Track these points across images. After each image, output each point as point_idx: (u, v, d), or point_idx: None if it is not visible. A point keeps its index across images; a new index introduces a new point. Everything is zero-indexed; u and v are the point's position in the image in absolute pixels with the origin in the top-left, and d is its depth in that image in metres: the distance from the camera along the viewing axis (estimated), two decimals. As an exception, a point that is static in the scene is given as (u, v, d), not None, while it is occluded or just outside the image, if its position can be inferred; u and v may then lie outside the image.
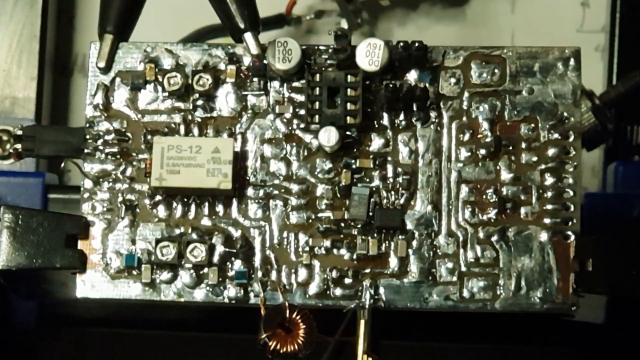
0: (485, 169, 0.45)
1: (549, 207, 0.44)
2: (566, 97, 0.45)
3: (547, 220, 0.44)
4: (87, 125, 0.46)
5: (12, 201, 0.54)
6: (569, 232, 0.44)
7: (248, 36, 0.46)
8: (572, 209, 0.44)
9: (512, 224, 0.44)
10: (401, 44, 0.45)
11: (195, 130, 0.45)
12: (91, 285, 0.45)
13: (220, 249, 0.44)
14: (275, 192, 0.45)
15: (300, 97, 0.45)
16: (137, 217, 0.45)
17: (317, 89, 0.45)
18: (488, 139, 0.45)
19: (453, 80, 0.45)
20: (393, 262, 0.44)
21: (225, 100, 0.46)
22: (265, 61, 0.45)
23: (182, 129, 0.45)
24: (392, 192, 0.45)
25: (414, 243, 0.44)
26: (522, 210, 0.44)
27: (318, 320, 0.43)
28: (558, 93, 0.45)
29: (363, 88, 0.44)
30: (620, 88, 0.57)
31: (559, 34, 0.65)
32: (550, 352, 0.57)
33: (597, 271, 0.43)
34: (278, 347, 0.42)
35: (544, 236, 0.44)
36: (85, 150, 0.45)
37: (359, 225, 0.44)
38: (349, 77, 0.45)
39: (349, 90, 0.44)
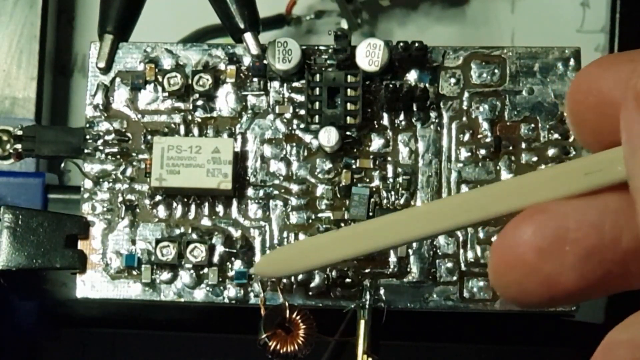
0: (485, 169, 0.45)
1: (549, 207, 0.44)
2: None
3: (547, 221, 0.44)
4: (87, 125, 0.46)
5: (12, 201, 0.54)
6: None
7: (248, 36, 0.46)
8: (572, 209, 0.44)
9: (512, 224, 0.44)
10: (401, 44, 0.45)
11: (195, 131, 0.45)
12: (91, 285, 0.45)
13: (220, 249, 0.44)
14: (275, 192, 0.45)
15: (300, 97, 0.45)
16: (137, 217, 0.45)
17: (317, 89, 0.45)
18: (488, 139, 0.45)
19: (453, 80, 0.45)
20: (393, 262, 0.44)
21: (225, 101, 0.46)
22: (265, 61, 0.45)
23: (182, 129, 0.45)
24: (392, 192, 0.45)
25: (414, 243, 0.44)
26: (522, 210, 0.44)
27: (318, 320, 0.43)
28: (558, 93, 0.45)
29: (363, 88, 0.44)
30: (620, 88, 0.57)
31: (559, 34, 0.64)
32: (550, 352, 0.57)
33: (597, 271, 0.43)
34: (278, 347, 0.42)
35: (544, 236, 0.44)
36: (85, 151, 0.45)
37: (359, 226, 0.44)
38: (349, 77, 0.45)
39: (349, 90, 0.44)
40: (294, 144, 0.45)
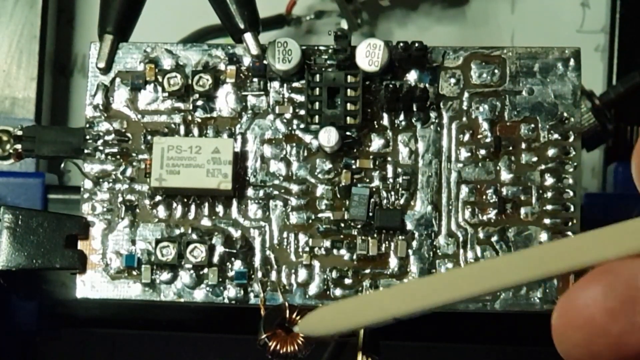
0: (485, 169, 0.45)
1: (549, 207, 0.44)
2: (566, 97, 0.45)
3: (547, 221, 0.44)
4: (87, 125, 0.46)
5: (12, 201, 0.54)
6: (569, 233, 0.44)
7: (248, 36, 0.46)
8: (572, 209, 0.44)
9: (512, 224, 0.44)
10: (401, 44, 0.45)
11: (195, 131, 0.45)
12: (91, 285, 0.45)
13: (220, 249, 0.44)
14: (275, 192, 0.45)
15: (300, 98, 0.45)
16: (137, 218, 0.45)
17: (317, 89, 0.45)
18: (488, 139, 0.45)
19: (453, 80, 0.45)
20: (393, 262, 0.44)
21: (225, 101, 0.46)
22: (265, 61, 0.45)
23: (182, 129, 0.45)
24: (392, 193, 0.45)
25: (414, 243, 0.44)
26: (522, 210, 0.44)
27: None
28: (558, 93, 0.45)
29: (363, 88, 0.44)
30: (620, 88, 0.57)
31: (559, 34, 0.64)
32: (550, 352, 0.57)
33: (597, 271, 0.43)
34: (278, 347, 0.42)
35: (544, 236, 0.44)
36: (85, 151, 0.45)
37: (359, 226, 0.44)
38: (349, 77, 0.45)
39: (349, 90, 0.44)
40: (294, 144, 0.45)
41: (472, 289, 0.33)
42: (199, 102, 0.45)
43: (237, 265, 0.44)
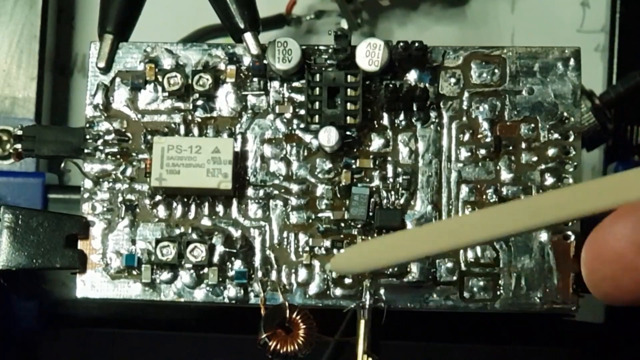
0: (485, 169, 0.45)
1: (549, 207, 0.44)
2: (566, 97, 0.45)
3: (547, 220, 0.44)
4: (87, 125, 0.46)
5: (12, 201, 0.54)
6: (569, 232, 0.44)
7: (248, 36, 0.46)
8: (572, 209, 0.44)
9: (512, 224, 0.44)
10: (401, 44, 0.45)
11: (195, 130, 0.45)
12: (91, 285, 0.45)
13: (220, 249, 0.44)
14: (275, 192, 0.45)
15: (300, 97, 0.45)
16: (137, 217, 0.45)
17: (317, 89, 0.45)
18: (488, 139, 0.45)
19: (453, 80, 0.45)
20: (393, 262, 0.44)
21: (225, 100, 0.46)
22: (265, 61, 0.45)
23: (182, 129, 0.45)
24: (392, 192, 0.45)
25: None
26: (522, 210, 0.44)
27: (318, 320, 0.43)
28: (558, 93, 0.45)
29: (363, 88, 0.44)
30: (620, 88, 0.57)
31: (559, 34, 0.64)
32: (550, 352, 0.57)
33: (597, 271, 0.43)
34: (278, 347, 0.42)
35: (544, 236, 0.44)
36: (85, 150, 0.45)
37: (359, 225, 0.44)
38: (349, 77, 0.45)
39: (349, 90, 0.44)
40: (294, 144, 0.45)
41: (504, 229, 0.33)
42: (199, 102, 0.45)
43: (237, 265, 0.44)
